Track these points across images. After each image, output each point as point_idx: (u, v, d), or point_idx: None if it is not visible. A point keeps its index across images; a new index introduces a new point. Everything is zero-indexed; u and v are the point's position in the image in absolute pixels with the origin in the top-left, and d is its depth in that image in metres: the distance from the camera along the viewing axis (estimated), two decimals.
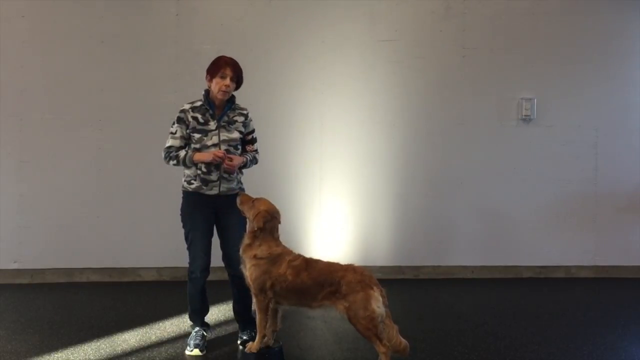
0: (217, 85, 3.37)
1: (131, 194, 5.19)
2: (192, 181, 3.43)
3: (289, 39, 5.33)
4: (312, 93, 5.36)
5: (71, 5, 5.12)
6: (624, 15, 5.60)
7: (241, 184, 3.59)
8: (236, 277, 3.36)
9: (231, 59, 3.44)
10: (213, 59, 3.49)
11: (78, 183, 5.14)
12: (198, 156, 3.36)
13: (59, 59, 5.12)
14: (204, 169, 3.38)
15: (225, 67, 3.38)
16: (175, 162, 3.42)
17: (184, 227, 3.49)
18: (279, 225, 3.18)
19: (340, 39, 5.36)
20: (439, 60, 5.47)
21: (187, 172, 3.46)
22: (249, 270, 3.08)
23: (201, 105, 3.44)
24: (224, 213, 3.43)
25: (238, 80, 3.44)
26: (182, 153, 3.40)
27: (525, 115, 5.50)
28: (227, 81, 3.36)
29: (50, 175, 5.12)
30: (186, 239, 3.48)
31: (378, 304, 2.88)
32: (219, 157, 3.31)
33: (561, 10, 5.55)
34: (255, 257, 3.04)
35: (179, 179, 4.86)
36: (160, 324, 3.99)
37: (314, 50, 5.35)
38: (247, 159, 3.50)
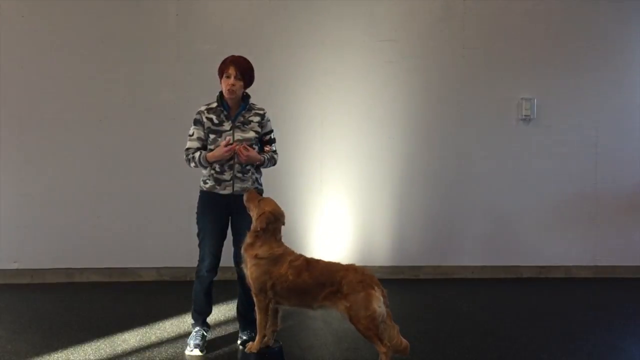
0: (224, 85, 3.38)
1: (131, 194, 5.18)
2: (207, 180, 3.43)
3: (289, 39, 5.33)
4: (312, 93, 5.35)
5: (71, 5, 5.12)
6: (624, 15, 5.60)
7: (259, 185, 3.54)
8: (244, 277, 3.35)
9: (237, 57, 3.41)
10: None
11: (78, 183, 5.14)
12: (211, 154, 3.36)
13: (58, 59, 5.12)
14: (217, 169, 3.39)
15: (229, 65, 3.36)
16: (194, 164, 3.42)
17: (197, 224, 3.49)
18: (282, 227, 3.17)
19: (340, 39, 5.36)
20: (438, 61, 5.47)
21: (204, 172, 3.47)
22: (249, 270, 3.07)
23: (216, 107, 3.43)
24: (238, 213, 3.39)
25: (244, 77, 3.38)
26: (197, 154, 3.39)
27: (525, 115, 5.50)
28: (231, 80, 3.34)
29: (50, 175, 5.12)
30: (198, 237, 3.49)
31: (379, 303, 2.88)
32: (228, 148, 3.28)
33: (561, 10, 5.55)
34: (256, 256, 3.04)
35: (180, 179, 4.92)
36: (160, 324, 3.99)
37: (314, 50, 5.34)
38: (264, 157, 3.47)
